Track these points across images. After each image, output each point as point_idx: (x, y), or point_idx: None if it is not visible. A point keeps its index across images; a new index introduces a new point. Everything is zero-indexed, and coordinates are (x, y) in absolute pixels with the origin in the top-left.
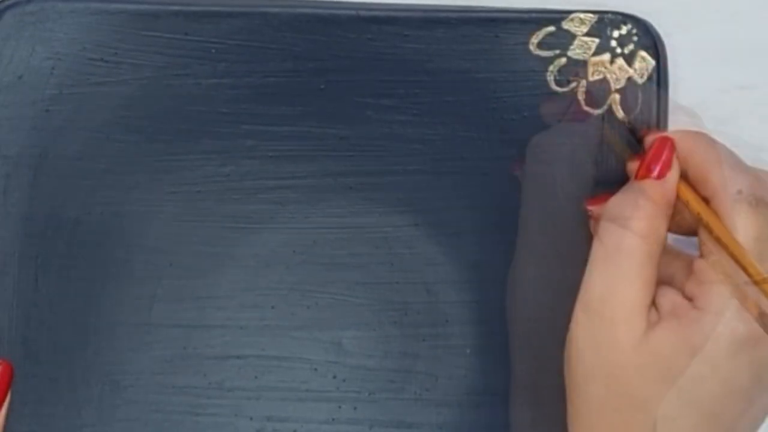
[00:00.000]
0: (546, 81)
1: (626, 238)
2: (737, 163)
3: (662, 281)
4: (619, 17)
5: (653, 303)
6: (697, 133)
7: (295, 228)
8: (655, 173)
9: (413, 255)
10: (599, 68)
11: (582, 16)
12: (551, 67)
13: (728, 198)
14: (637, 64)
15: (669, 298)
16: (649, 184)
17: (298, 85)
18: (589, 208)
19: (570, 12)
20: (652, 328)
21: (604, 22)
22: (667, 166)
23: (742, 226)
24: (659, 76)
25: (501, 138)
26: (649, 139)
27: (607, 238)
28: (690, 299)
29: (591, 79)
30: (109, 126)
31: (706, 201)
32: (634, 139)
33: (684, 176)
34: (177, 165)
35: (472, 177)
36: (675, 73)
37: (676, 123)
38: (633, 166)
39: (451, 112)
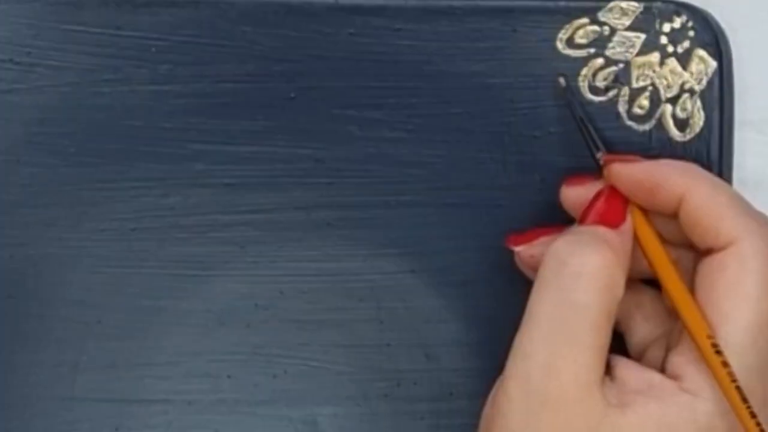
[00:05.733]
0: (578, 88)
1: (580, 292)
2: (749, 208)
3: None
4: (672, 7)
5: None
6: (690, 166)
7: (258, 275)
8: (611, 222)
9: (408, 310)
10: (645, 72)
11: (624, 5)
12: (584, 71)
13: (751, 253)
14: (693, 67)
15: (638, 375)
16: (608, 231)
17: (262, 94)
18: (515, 248)
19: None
20: (622, 412)
21: (651, 13)
22: (623, 214)
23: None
24: (721, 82)
25: (519, 160)
26: (613, 166)
27: (554, 291)
28: (674, 378)
29: (635, 85)
30: (21, 146)
31: (707, 252)
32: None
33: (672, 219)
34: (106, 195)
35: (482, 210)
36: (741, 79)
37: (742, 141)
38: (569, 194)
39: (457, 127)
